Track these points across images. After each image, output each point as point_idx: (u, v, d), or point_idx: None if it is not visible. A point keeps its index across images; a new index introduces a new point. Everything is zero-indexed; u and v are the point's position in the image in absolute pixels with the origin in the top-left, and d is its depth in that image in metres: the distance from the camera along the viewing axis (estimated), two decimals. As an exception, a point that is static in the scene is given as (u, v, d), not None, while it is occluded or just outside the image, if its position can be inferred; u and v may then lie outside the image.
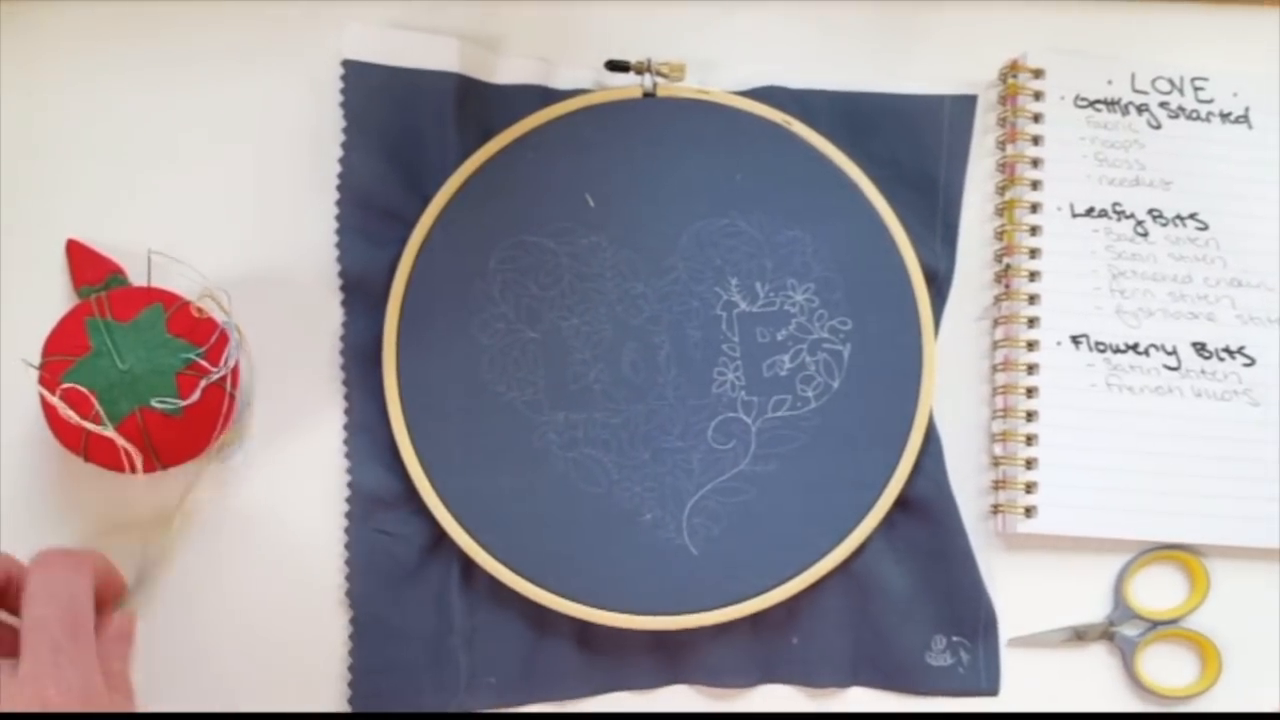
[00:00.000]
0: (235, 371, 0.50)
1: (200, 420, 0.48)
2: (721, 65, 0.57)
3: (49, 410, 0.47)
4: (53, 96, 0.55)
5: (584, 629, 0.52)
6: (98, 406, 0.46)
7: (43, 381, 0.47)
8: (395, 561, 0.52)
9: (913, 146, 0.57)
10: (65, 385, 0.46)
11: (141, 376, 0.47)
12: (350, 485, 0.53)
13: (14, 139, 0.54)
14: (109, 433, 0.46)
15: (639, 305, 0.54)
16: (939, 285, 0.56)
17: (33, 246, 0.53)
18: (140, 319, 0.48)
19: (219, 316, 0.50)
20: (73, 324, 0.48)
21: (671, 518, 0.52)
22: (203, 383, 0.47)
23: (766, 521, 0.52)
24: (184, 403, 0.47)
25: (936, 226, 0.57)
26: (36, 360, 0.47)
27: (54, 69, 0.55)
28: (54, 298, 0.52)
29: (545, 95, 0.56)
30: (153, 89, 0.55)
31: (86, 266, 0.52)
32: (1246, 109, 0.58)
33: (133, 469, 0.48)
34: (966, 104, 0.58)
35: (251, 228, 0.54)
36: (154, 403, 0.47)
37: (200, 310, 0.49)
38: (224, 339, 0.49)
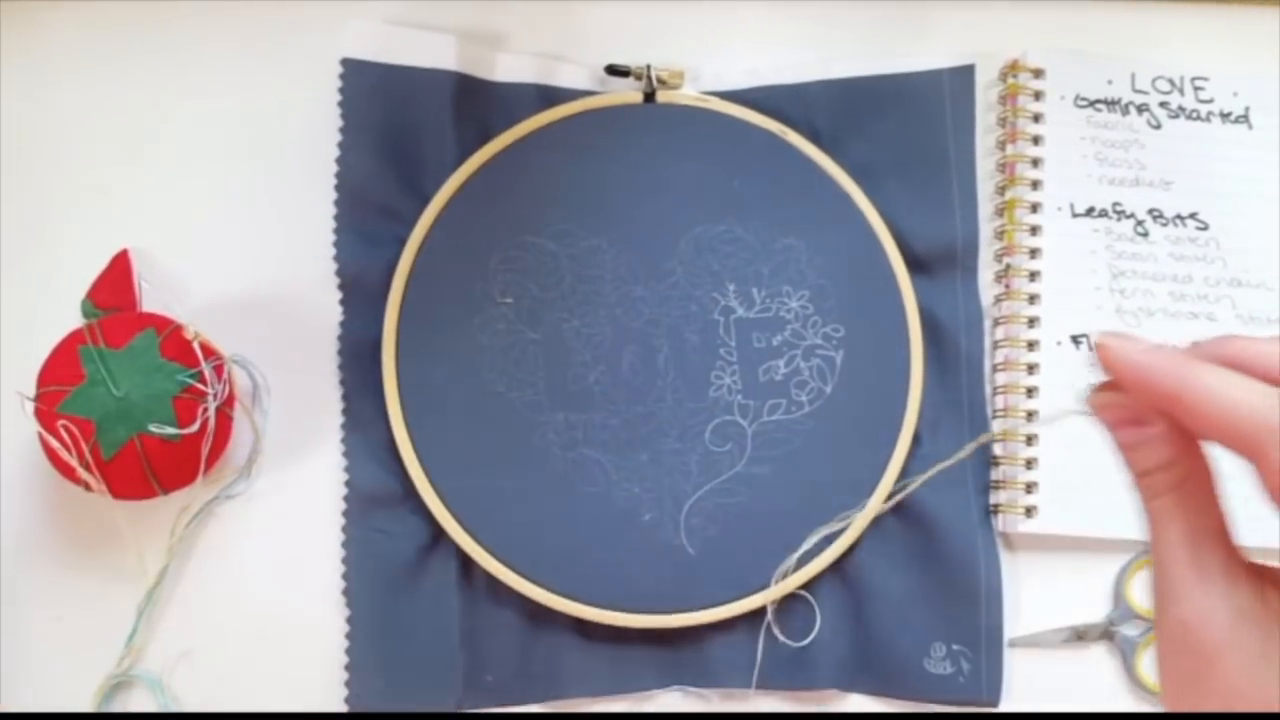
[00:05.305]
0: (231, 396, 0.50)
1: (199, 444, 0.48)
2: (720, 61, 0.57)
3: (46, 441, 0.47)
4: (53, 96, 0.55)
5: (582, 628, 0.52)
6: (95, 436, 0.46)
7: (38, 413, 0.47)
8: (393, 561, 0.52)
9: (918, 123, 0.56)
10: (62, 415, 0.46)
11: (138, 403, 0.47)
12: (348, 484, 0.53)
13: (13, 138, 0.54)
14: (93, 480, 0.46)
15: (638, 308, 0.54)
16: (962, 257, 0.56)
17: (31, 244, 0.53)
18: (134, 345, 0.48)
19: (213, 346, 0.50)
20: (66, 353, 0.48)
21: (669, 518, 0.52)
22: (203, 412, 0.47)
23: (761, 522, 0.52)
24: (183, 430, 0.47)
25: (954, 197, 0.56)
26: (32, 391, 0.47)
27: (54, 69, 0.55)
28: (52, 295, 0.52)
29: (544, 93, 0.56)
30: (152, 88, 0.55)
31: (112, 287, 0.52)
32: (1246, 109, 0.57)
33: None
34: (965, 73, 0.57)
35: (249, 226, 0.55)
36: (151, 428, 0.47)
37: (195, 334, 0.49)
38: (219, 361, 0.49)
